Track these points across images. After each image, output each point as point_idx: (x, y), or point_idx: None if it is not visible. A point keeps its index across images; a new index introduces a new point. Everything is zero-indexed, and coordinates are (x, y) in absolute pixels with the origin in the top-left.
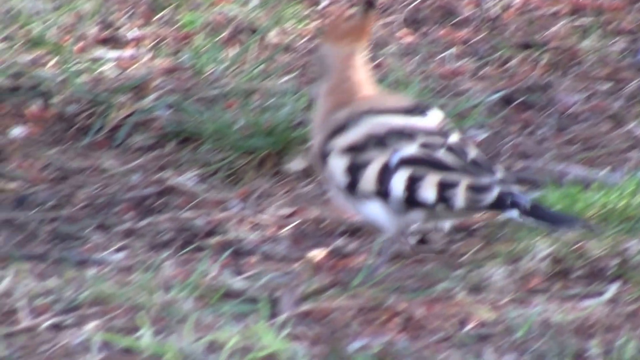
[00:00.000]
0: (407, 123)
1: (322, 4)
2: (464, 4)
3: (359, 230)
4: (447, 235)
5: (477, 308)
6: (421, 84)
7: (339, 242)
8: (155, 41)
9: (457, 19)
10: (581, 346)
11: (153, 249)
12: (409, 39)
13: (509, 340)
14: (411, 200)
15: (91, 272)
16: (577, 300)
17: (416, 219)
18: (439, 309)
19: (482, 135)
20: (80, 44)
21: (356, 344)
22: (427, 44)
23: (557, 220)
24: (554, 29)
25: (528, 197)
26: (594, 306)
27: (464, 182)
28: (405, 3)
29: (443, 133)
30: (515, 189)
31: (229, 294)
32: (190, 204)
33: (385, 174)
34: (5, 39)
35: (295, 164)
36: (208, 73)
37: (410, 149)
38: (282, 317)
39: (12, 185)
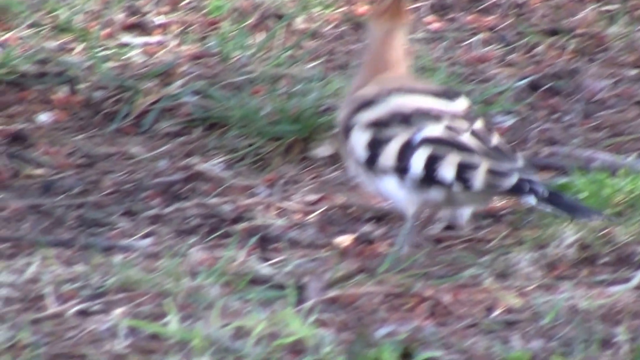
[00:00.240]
0: (435, 105)
1: None
2: None
3: (386, 217)
4: (474, 222)
5: (504, 294)
6: (448, 70)
7: (366, 228)
8: (182, 27)
9: (484, 5)
10: (608, 332)
11: (180, 235)
12: (436, 25)
13: (536, 326)
14: (429, 178)
15: (118, 258)
16: (604, 287)
17: (432, 199)
18: (466, 295)
19: (509, 121)
20: (107, 30)
21: (383, 330)
22: (454, 30)
23: (574, 210)
24: (581, 15)
25: (546, 187)
26: (621, 292)
27: (484, 165)
28: None
29: (469, 118)
30: (535, 177)
31: (256, 281)
32: (217, 190)
33: (407, 151)
34: (32, 25)
35: (322, 150)
36: (235, 59)
37: (434, 130)
38: (309, 304)
39: (39, 171)
